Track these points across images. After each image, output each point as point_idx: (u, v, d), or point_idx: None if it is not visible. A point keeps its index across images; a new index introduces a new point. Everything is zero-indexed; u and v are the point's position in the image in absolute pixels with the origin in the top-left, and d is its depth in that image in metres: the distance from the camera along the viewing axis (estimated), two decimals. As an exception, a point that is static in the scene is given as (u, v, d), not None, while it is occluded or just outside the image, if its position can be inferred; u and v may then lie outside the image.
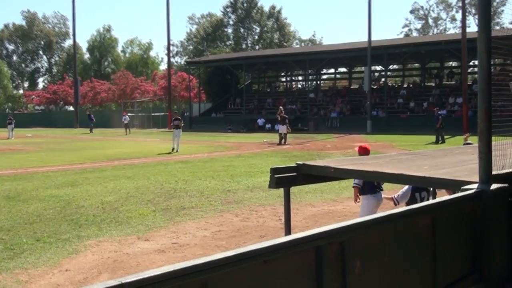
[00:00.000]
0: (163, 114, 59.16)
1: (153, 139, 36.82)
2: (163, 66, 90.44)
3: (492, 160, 4.12)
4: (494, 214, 3.84)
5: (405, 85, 53.86)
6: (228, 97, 57.77)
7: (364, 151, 7.88)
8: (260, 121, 48.27)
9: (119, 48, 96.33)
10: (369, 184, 7.76)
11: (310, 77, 60.29)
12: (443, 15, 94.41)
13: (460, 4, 55.22)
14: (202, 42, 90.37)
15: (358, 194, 7.87)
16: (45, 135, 44.13)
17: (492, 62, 4.49)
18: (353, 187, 7.98)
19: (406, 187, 7.99)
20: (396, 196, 7.73)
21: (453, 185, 4.27)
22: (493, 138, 4.33)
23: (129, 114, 57.34)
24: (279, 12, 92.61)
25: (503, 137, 5.06)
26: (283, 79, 65.19)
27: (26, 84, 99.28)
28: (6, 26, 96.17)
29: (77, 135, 44.16)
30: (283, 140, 29.42)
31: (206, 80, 59.42)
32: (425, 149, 17.29)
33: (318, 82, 61.86)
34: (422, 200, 7.67)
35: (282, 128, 29.81)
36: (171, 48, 72.73)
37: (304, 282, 2.61)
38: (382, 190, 7.98)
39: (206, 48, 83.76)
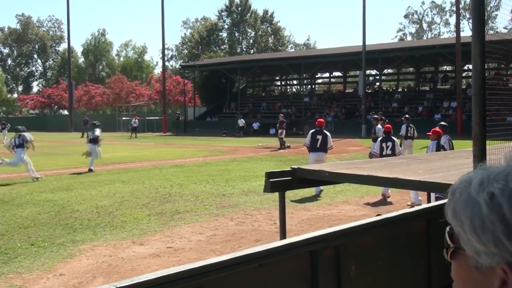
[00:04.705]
0: (157, 118, 59.03)
1: (148, 143, 36.73)
2: (158, 70, 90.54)
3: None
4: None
5: (399, 89, 53.97)
6: (223, 101, 57.73)
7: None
8: (256, 125, 48.20)
9: (114, 52, 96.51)
10: (312, 145, 13.56)
11: (305, 81, 60.34)
12: (437, 19, 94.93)
13: (453, 8, 55.57)
14: (196, 46, 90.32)
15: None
16: (39, 139, 43.81)
17: (486, 66, 4.50)
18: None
19: (378, 140, 12.78)
20: (373, 152, 12.71)
21: (447, 189, 4.28)
22: (487, 142, 4.35)
23: (123, 118, 57.12)
24: (271, 16, 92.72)
25: (498, 141, 5.08)
26: (278, 83, 65.25)
27: (20, 88, 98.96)
28: (1, 29, 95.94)
29: (72, 139, 43.96)
30: (284, 144, 28.82)
31: (201, 84, 59.35)
32: (420, 153, 17.31)
33: (313, 86, 61.93)
34: (387, 148, 12.28)
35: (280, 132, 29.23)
36: (166, 52, 72.59)
37: (299, 286, 2.61)
38: (325, 152, 13.75)
39: (200, 52, 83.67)
